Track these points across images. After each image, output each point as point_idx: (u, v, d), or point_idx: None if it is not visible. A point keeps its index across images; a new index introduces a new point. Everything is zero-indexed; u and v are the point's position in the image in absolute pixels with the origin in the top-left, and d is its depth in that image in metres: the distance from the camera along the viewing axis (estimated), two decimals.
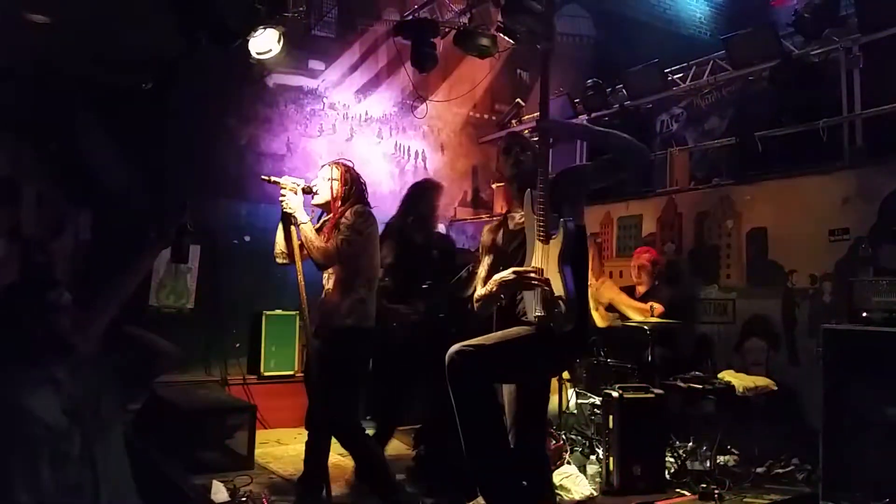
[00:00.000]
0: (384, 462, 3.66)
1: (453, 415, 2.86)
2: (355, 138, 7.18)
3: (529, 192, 2.90)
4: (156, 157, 5.83)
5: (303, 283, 3.48)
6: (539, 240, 2.85)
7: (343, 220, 3.45)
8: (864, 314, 3.85)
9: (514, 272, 2.87)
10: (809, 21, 5.29)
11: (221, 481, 3.99)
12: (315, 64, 6.95)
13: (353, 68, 7.18)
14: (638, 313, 4.97)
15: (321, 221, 3.63)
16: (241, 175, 6.32)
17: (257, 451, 4.78)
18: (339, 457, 3.99)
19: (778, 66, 5.61)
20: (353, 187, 3.59)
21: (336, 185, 3.55)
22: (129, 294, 2.86)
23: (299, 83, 6.84)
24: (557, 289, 2.75)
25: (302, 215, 3.44)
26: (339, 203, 3.52)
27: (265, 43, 5.30)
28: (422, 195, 4.73)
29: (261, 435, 4.99)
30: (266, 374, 6.08)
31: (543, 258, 2.83)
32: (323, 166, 3.67)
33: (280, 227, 3.57)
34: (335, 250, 3.39)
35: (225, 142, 6.37)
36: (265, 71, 6.44)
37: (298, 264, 3.48)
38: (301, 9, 4.92)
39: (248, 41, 5.30)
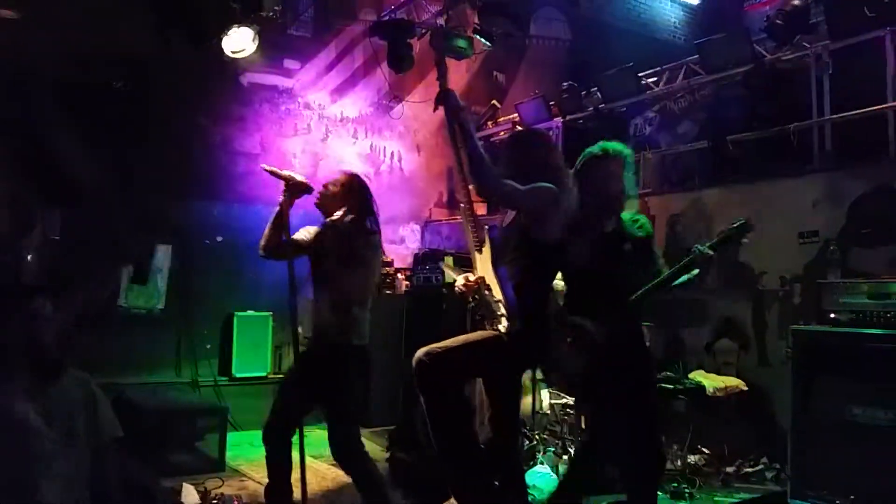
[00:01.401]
0: (383, 483, 3.54)
1: (424, 418, 2.86)
2: (331, 138, 7.15)
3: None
4: (128, 156, 5.75)
5: (294, 282, 3.36)
6: (475, 249, 2.91)
7: (358, 241, 3.38)
8: (832, 315, 3.91)
9: (461, 282, 2.95)
10: (781, 27, 5.37)
11: (192, 484, 3.95)
12: (290, 63, 6.90)
13: (329, 68, 7.15)
14: None
15: (324, 226, 3.48)
16: (214, 175, 6.26)
17: (228, 454, 4.73)
18: (310, 459, 3.95)
19: (750, 71, 5.68)
20: (358, 199, 3.47)
21: (340, 192, 3.46)
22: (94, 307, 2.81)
23: (274, 82, 6.80)
24: (497, 294, 2.79)
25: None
26: (342, 213, 3.41)
27: (239, 42, 5.25)
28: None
29: (232, 437, 4.94)
30: (237, 375, 6.02)
31: (482, 266, 2.90)
32: (341, 176, 3.57)
33: (270, 223, 3.40)
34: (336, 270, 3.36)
35: (198, 141, 6.30)
36: (239, 70, 6.38)
37: (290, 266, 3.32)
38: (276, 8, 4.89)
39: (222, 40, 5.25)
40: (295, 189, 3.36)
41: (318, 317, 3.44)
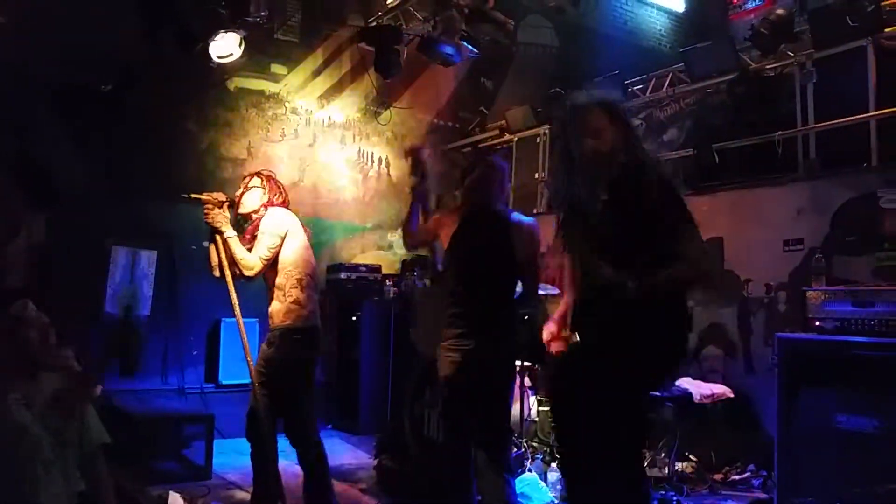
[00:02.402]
0: (327, 476, 3.60)
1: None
2: (318, 143, 7.13)
3: None
4: (114, 160, 5.72)
5: (234, 296, 3.52)
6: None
7: (259, 227, 3.47)
8: (817, 323, 3.94)
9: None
10: (766, 36, 5.43)
11: (178, 492, 3.92)
12: (277, 68, 6.89)
13: (317, 73, 7.14)
14: None
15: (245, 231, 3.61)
16: (202, 179, 6.20)
17: (215, 462, 4.70)
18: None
19: (735, 80, 5.74)
20: (277, 196, 3.61)
21: (260, 193, 3.56)
22: None
23: (261, 87, 6.78)
24: None
25: (228, 230, 3.45)
26: (262, 213, 3.54)
27: (226, 47, 5.24)
28: None
29: (218, 444, 4.90)
30: (224, 382, 5.98)
31: None
32: (245, 177, 3.70)
33: (210, 241, 3.55)
34: (256, 259, 3.41)
35: (185, 145, 6.27)
36: (226, 74, 6.36)
37: (228, 278, 3.48)
38: (263, 13, 4.87)
39: (209, 44, 5.23)
40: (220, 206, 3.48)
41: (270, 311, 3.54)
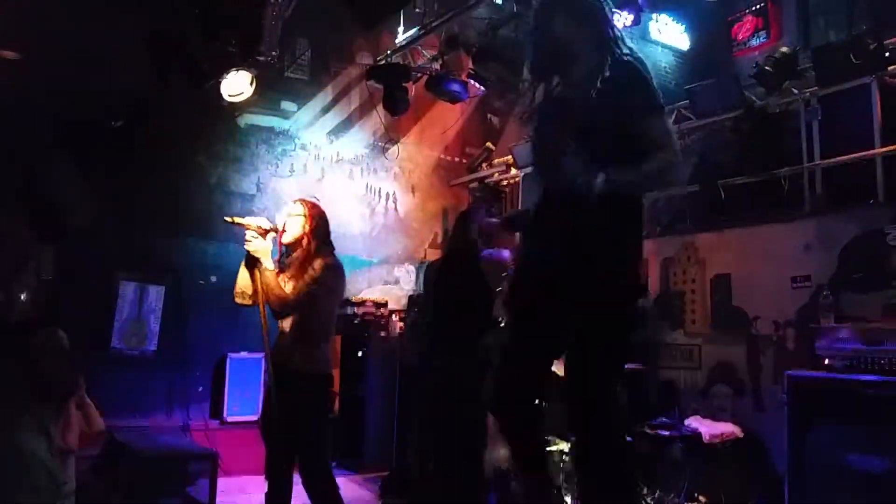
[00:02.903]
0: None
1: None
2: (326, 179, 7.19)
3: None
4: (124, 195, 5.77)
5: (266, 326, 3.41)
6: None
7: (311, 269, 3.38)
8: (826, 361, 3.91)
9: None
10: (770, 74, 5.47)
11: None
12: (287, 105, 6.98)
13: (326, 110, 7.23)
14: None
15: (289, 259, 3.53)
16: (210, 214, 6.26)
17: (219, 500, 4.65)
18: None
19: (740, 116, 5.77)
20: (321, 226, 3.54)
21: (303, 222, 3.48)
22: None
23: (271, 124, 6.87)
24: None
25: (268, 262, 3.38)
26: (307, 241, 3.46)
27: (237, 85, 5.31)
28: None
29: (223, 483, 4.86)
30: (229, 419, 5.95)
31: None
32: (290, 203, 3.61)
33: (243, 267, 3.45)
34: (294, 300, 3.34)
35: (194, 181, 6.33)
36: (237, 111, 6.45)
37: (262, 309, 3.41)
38: (274, 52, 4.95)
39: (220, 82, 5.31)
40: (263, 234, 3.40)
41: (279, 349, 3.44)
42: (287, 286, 3.37)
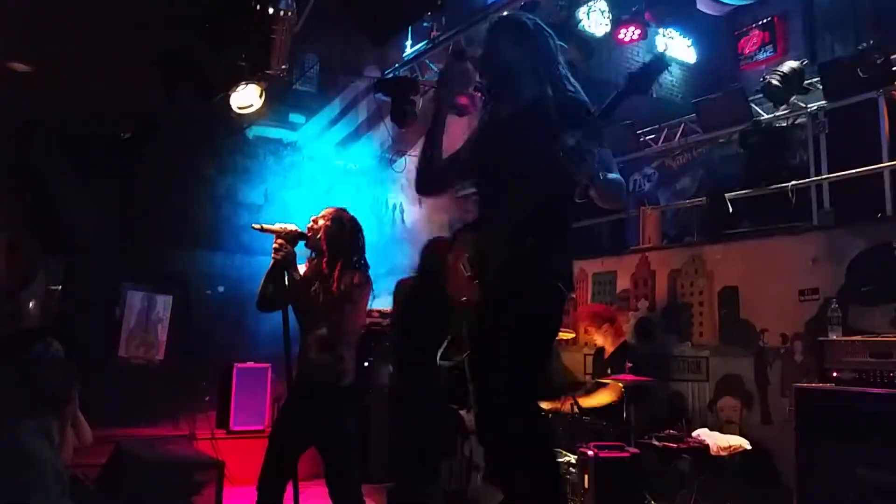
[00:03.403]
0: None
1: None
2: (334, 190, 7.21)
3: None
4: (132, 207, 5.81)
5: (288, 333, 3.41)
6: None
7: (345, 280, 3.37)
8: (835, 374, 3.90)
9: None
10: (777, 88, 5.49)
11: None
12: (295, 117, 7.02)
13: (334, 122, 7.27)
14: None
15: (314, 262, 3.52)
16: (218, 225, 6.30)
17: None
18: None
19: (747, 130, 5.79)
20: (355, 236, 3.54)
21: (335, 231, 3.48)
22: None
23: (279, 135, 6.91)
24: None
25: (296, 271, 3.38)
26: (340, 252, 3.45)
27: (247, 98, 5.35)
28: None
29: (229, 492, 4.86)
30: (235, 428, 5.95)
31: None
32: (327, 210, 3.59)
33: (269, 274, 3.43)
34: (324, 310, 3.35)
35: (202, 192, 6.36)
36: (245, 123, 6.49)
37: (286, 317, 3.39)
38: (284, 66, 4.99)
39: (229, 95, 5.35)
40: (292, 240, 3.39)
41: (304, 360, 3.43)
42: (321, 297, 3.36)
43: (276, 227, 3.39)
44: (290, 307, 3.48)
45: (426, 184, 2.87)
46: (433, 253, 4.57)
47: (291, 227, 3.43)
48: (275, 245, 3.35)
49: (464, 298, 2.54)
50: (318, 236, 3.48)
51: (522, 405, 2.35)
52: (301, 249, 3.51)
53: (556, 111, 2.40)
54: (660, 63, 2.37)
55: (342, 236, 3.49)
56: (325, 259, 3.47)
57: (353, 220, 3.60)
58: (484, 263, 2.43)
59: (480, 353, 2.50)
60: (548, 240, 2.42)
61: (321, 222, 3.50)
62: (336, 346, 3.38)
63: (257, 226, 3.42)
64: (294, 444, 3.38)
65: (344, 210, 3.61)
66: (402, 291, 4.52)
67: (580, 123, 2.30)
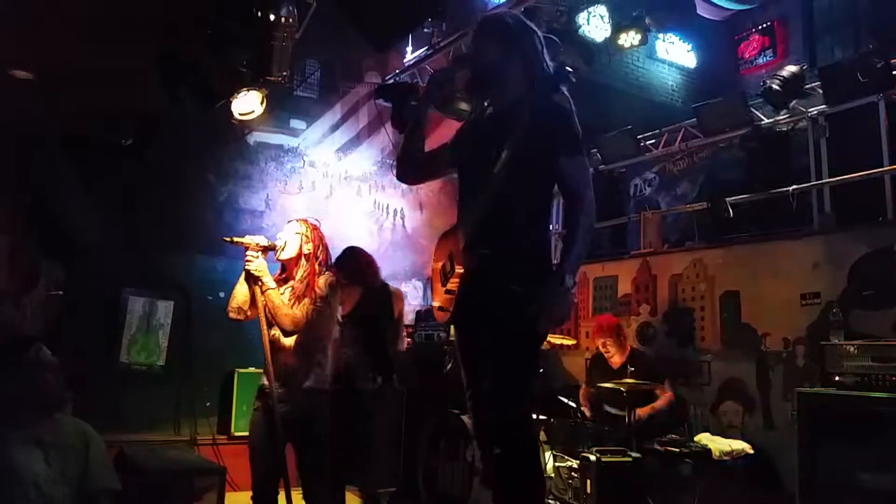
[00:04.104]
0: None
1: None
2: (334, 196, 7.22)
3: None
4: (134, 212, 5.82)
5: (268, 342, 3.44)
6: None
7: (317, 289, 3.45)
8: (837, 378, 3.89)
9: None
10: (777, 92, 5.50)
11: None
12: (296, 123, 7.04)
13: (334, 128, 7.28)
14: None
15: (283, 279, 3.57)
16: (219, 231, 6.26)
17: None
18: None
19: (747, 135, 5.80)
20: (321, 246, 3.60)
21: (304, 241, 3.54)
22: None
23: (280, 141, 6.91)
24: None
25: (270, 280, 3.42)
26: (308, 261, 3.50)
27: (248, 104, 5.36)
28: None
29: (230, 498, 4.85)
30: (236, 434, 5.94)
31: None
32: (290, 221, 3.66)
33: (241, 282, 3.51)
34: (305, 319, 3.38)
35: (203, 198, 6.37)
36: (246, 129, 6.50)
37: (264, 327, 3.42)
38: (285, 73, 5.00)
39: (230, 102, 5.36)
40: (263, 251, 3.45)
41: (282, 366, 3.46)
42: (296, 307, 3.40)
43: (246, 239, 3.46)
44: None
45: (403, 172, 2.93)
46: (351, 261, 4.74)
47: (261, 239, 3.49)
48: (246, 256, 3.41)
49: (438, 307, 2.55)
50: (298, 252, 3.54)
51: (509, 415, 2.35)
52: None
53: (537, 111, 2.40)
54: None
55: (317, 249, 3.57)
56: (292, 270, 3.53)
57: (322, 235, 3.66)
58: (455, 271, 2.45)
59: (469, 361, 2.50)
60: (522, 244, 2.41)
61: (299, 239, 3.55)
62: (313, 352, 3.47)
63: (228, 238, 3.49)
64: (274, 450, 3.43)
65: (315, 226, 3.65)
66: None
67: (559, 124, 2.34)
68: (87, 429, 2.77)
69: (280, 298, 3.39)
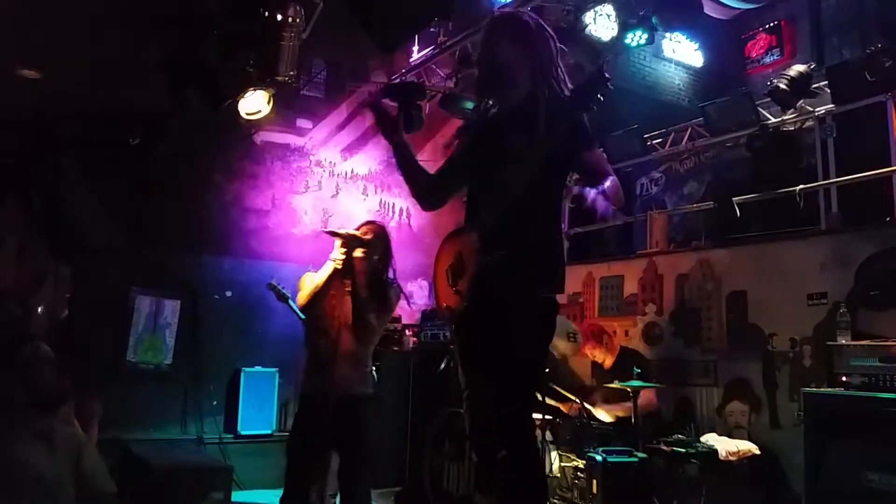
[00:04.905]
0: None
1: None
2: (341, 195, 7.24)
3: None
4: (141, 212, 5.84)
5: (323, 351, 3.49)
6: None
7: (389, 302, 3.55)
8: (843, 378, 3.88)
9: None
10: (785, 92, 5.48)
11: None
12: (303, 122, 7.05)
13: (340, 127, 7.29)
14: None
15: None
16: (226, 230, 6.33)
17: None
18: None
19: (754, 134, 5.78)
20: (390, 254, 3.66)
21: (382, 247, 3.61)
22: None
23: (286, 140, 6.93)
24: None
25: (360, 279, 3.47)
26: (380, 268, 3.58)
27: (255, 104, 5.38)
28: None
29: (237, 496, 4.88)
30: (243, 433, 5.96)
31: None
32: (371, 222, 3.72)
33: (322, 275, 3.52)
34: (378, 327, 3.52)
35: (210, 197, 6.39)
36: (253, 128, 6.52)
37: (332, 324, 3.44)
38: (292, 73, 5.01)
39: (237, 101, 5.37)
40: (357, 249, 3.50)
41: (336, 373, 3.45)
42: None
43: (344, 232, 3.52)
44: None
45: (424, 199, 2.84)
46: None
47: (356, 232, 3.56)
48: (342, 251, 3.46)
49: (446, 307, 2.51)
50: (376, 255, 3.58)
51: (513, 418, 2.33)
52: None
53: (549, 114, 2.33)
54: (597, 78, 2.21)
55: (388, 254, 3.65)
56: (362, 267, 3.54)
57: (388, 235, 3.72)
58: (466, 271, 2.41)
59: (470, 365, 2.49)
60: (536, 245, 2.39)
61: (378, 243, 3.61)
62: (367, 360, 3.59)
63: (327, 230, 3.60)
64: (319, 458, 3.47)
65: (384, 226, 3.73)
66: None
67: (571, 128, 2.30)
68: (78, 433, 2.80)
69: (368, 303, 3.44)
